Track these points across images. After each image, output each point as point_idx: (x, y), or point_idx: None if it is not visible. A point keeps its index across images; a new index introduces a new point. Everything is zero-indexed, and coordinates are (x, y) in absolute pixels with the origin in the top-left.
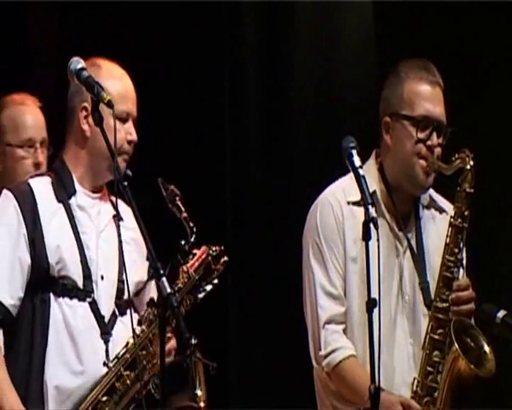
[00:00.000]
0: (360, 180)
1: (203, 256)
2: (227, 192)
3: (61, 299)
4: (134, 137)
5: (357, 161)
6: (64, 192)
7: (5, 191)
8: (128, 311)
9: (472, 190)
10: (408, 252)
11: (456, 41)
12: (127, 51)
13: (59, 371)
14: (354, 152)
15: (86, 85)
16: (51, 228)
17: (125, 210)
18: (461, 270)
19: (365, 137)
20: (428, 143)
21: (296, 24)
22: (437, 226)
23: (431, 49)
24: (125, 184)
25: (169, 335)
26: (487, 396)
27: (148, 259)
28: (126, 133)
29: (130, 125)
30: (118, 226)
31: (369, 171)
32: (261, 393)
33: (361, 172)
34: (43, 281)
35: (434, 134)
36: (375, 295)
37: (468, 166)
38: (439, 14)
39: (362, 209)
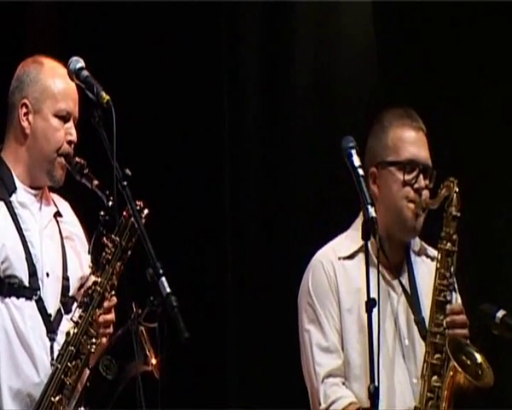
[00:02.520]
0: (359, 180)
1: (124, 219)
2: (226, 195)
3: (7, 299)
4: (74, 137)
5: (356, 160)
6: (4, 190)
7: None
8: (73, 308)
9: (459, 214)
10: (402, 297)
11: (456, 40)
12: (125, 52)
13: (12, 374)
14: (353, 152)
15: (86, 84)
16: None
17: (63, 205)
18: (453, 294)
19: (364, 137)
20: (416, 185)
21: (296, 24)
22: (429, 269)
23: (430, 49)
24: (125, 183)
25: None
26: (487, 396)
27: (89, 252)
28: (66, 133)
29: (71, 125)
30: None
31: (359, 227)
32: (260, 393)
33: (360, 171)
34: None
35: (421, 177)
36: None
37: (454, 193)
38: (439, 14)
39: (353, 262)
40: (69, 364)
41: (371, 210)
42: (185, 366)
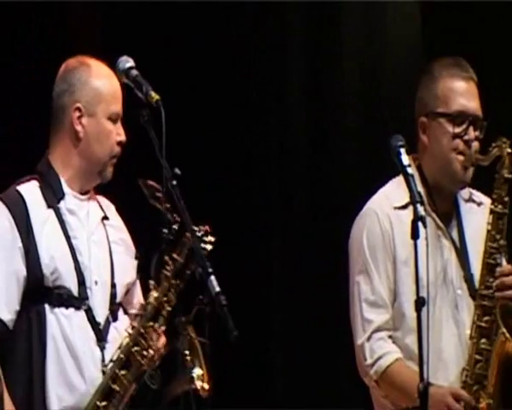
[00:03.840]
0: (409, 179)
1: (186, 241)
2: (274, 196)
3: (56, 309)
4: (123, 137)
5: (405, 159)
6: (53, 197)
7: None
8: (120, 315)
9: (511, 176)
10: (452, 247)
11: (503, 40)
12: (171, 52)
13: (60, 383)
14: (402, 150)
15: (135, 84)
16: (44, 237)
17: (109, 207)
18: (503, 257)
19: (412, 135)
20: (465, 137)
21: (342, 23)
22: (477, 218)
23: (477, 48)
24: (174, 183)
25: (159, 331)
26: None
27: (137, 258)
28: (116, 134)
29: (119, 125)
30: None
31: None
32: (306, 392)
33: (409, 170)
34: (38, 292)
35: (471, 128)
36: (424, 293)
37: (506, 153)
38: (487, 13)
39: (408, 212)
40: (118, 371)
41: (420, 209)
42: (231, 364)
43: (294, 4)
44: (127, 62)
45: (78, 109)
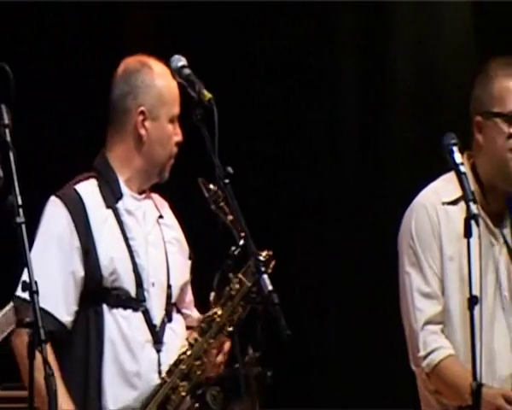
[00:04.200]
0: (461, 177)
1: (252, 264)
2: (323, 188)
3: (114, 310)
4: (180, 137)
5: (457, 157)
6: (112, 196)
7: (54, 199)
8: (174, 316)
9: None
10: (504, 248)
11: None
12: (223, 51)
13: (116, 384)
14: (455, 149)
15: (187, 83)
16: (103, 237)
17: (163, 205)
18: None
19: (465, 134)
20: None
21: (395, 23)
22: None
23: None
24: (227, 181)
25: (221, 349)
26: None
27: (190, 257)
28: (174, 135)
29: (176, 125)
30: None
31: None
32: (361, 392)
33: (462, 168)
34: (96, 293)
35: None
36: (475, 291)
37: None
38: None
39: (456, 209)
40: (178, 382)
41: (473, 207)
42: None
43: (346, 5)
44: (179, 61)
45: (143, 113)
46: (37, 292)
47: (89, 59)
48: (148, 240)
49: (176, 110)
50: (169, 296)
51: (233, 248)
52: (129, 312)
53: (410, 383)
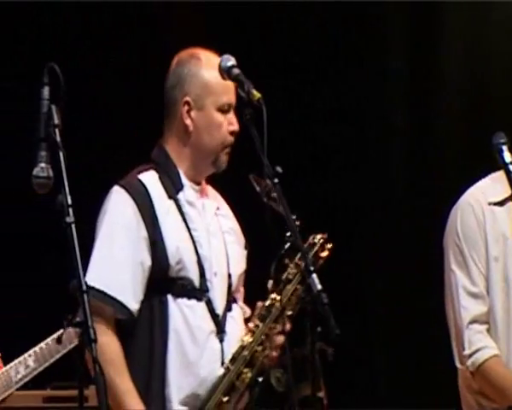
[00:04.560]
0: (510, 176)
1: (310, 245)
2: (372, 188)
3: (179, 300)
4: (236, 126)
5: (507, 156)
6: (173, 188)
7: (118, 189)
8: (233, 306)
9: None
10: None
11: None
12: (273, 51)
13: (181, 373)
14: (505, 148)
15: (237, 82)
16: (168, 227)
17: (217, 197)
18: None
19: None
20: None
21: (447, 21)
22: None
23: None
24: (276, 181)
25: (282, 333)
26: None
27: (246, 247)
28: (228, 124)
29: (231, 115)
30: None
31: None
32: (405, 392)
33: (511, 167)
34: (162, 282)
35: None
36: None
37: None
38: None
39: (503, 209)
40: (242, 368)
41: None
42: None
43: (397, 5)
44: (229, 61)
45: (187, 103)
46: (87, 292)
47: (136, 58)
48: (210, 230)
49: (225, 99)
50: (229, 286)
51: (288, 233)
52: (193, 302)
53: (451, 383)
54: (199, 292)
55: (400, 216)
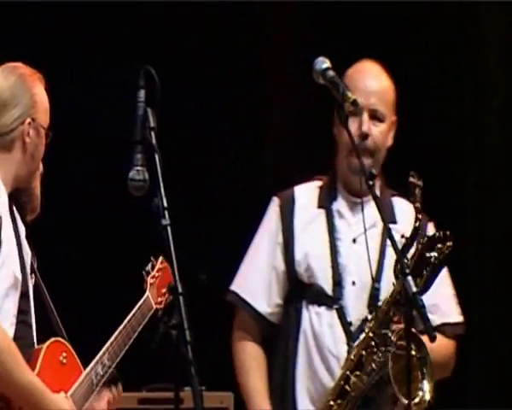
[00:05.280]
0: None
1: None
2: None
3: (310, 306)
4: (363, 129)
5: None
6: (327, 197)
7: (274, 197)
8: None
9: None
10: None
11: None
12: (367, 51)
13: (308, 377)
14: None
15: (332, 85)
16: (304, 235)
17: (405, 213)
18: None
19: None
20: None
21: None
22: None
23: None
24: (371, 183)
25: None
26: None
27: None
28: (357, 128)
29: (362, 118)
30: (388, 230)
31: None
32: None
33: None
34: (297, 289)
35: None
36: None
37: None
38: None
39: None
40: (348, 373)
41: None
42: None
43: (491, 5)
44: (324, 63)
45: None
46: (182, 294)
47: (231, 62)
48: (358, 241)
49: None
50: (373, 297)
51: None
52: (322, 309)
53: None
54: (330, 299)
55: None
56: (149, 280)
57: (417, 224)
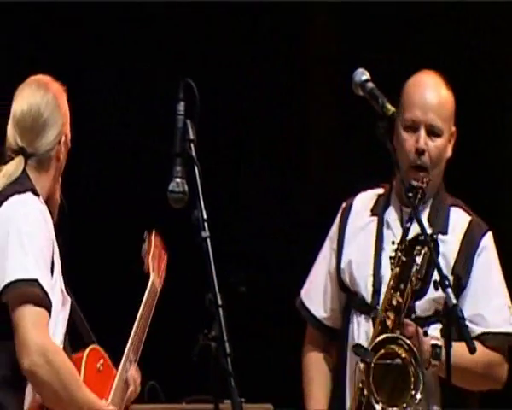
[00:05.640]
0: None
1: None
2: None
3: (355, 315)
4: (419, 145)
5: None
6: (381, 205)
7: (343, 202)
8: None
9: None
10: None
11: None
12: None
13: (350, 386)
14: None
15: (371, 96)
16: (352, 242)
17: (459, 224)
18: None
19: None
20: None
21: None
22: None
23: None
24: (410, 195)
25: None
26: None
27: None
28: (414, 142)
29: (418, 134)
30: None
31: None
32: None
33: None
34: (347, 297)
35: None
36: None
37: None
38: None
39: None
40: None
41: None
42: None
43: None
44: (363, 75)
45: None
46: (222, 306)
47: (272, 67)
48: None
49: (408, 116)
50: (410, 308)
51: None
52: (362, 317)
53: None
54: (369, 308)
55: None
56: (150, 262)
57: (408, 224)
